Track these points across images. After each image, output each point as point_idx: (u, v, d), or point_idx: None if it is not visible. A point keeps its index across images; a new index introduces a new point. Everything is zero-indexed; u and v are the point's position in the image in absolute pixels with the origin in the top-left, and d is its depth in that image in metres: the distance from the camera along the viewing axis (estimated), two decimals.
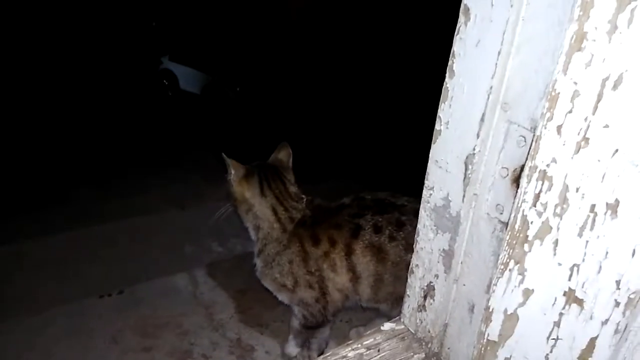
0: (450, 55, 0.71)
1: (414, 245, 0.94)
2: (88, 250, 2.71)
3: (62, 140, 5.33)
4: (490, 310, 0.74)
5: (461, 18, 0.69)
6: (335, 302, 1.70)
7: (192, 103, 6.90)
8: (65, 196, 3.91)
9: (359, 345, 1.00)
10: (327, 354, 0.98)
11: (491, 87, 0.67)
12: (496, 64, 0.66)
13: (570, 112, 0.57)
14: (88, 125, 5.81)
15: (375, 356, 0.97)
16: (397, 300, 1.67)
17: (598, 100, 0.54)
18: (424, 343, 0.99)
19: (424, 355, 0.97)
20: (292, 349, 1.87)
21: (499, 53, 0.65)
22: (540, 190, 0.62)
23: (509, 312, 0.71)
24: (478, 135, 0.71)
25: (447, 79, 0.73)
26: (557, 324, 0.68)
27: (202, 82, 6.81)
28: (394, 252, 1.61)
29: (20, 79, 6.86)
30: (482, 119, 0.69)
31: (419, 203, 1.74)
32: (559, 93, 0.57)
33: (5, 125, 5.64)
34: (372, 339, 1.01)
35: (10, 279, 2.51)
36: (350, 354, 0.97)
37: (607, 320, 0.63)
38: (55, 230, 2.99)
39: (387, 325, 1.05)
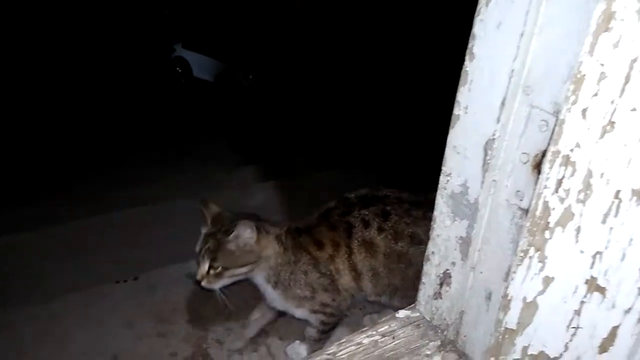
0: (470, 37, 0.70)
1: (430, 232, 0.93)
2: (102, 239, 2.73)
3: (74, 129, 5.37)
4: (509, 298, 0.73)
5: None
6: (346, 299, 1.75)
7: (205, 91, 6.91)
8: (77, 185, 3.95)
9: (374, 332, 1.00)
10: (342, 341, 0.97)
11: (512, 70, 0.66)
12: (518, 46, 0.64)
13: (595, 95, 0.55)
14: (99, 114, 5.84)
15: (390, 343, 0.96)
16: (394, 291, 1.71)
17: (625, 83, 0.53)
18: (439, 330, 0.98)
19: (439, 343, 0.96)
20: (303, 352, 1.85)
21: (521, 35, 0.63)
22: (563, 176, 0.60)
23: (528, 300, 0.70)
24: (498, 120, 0.69)
25: (466, 62, 0.71)
26: (577, 313, 0.66)
27: (216, 69, 6.80)
28: (384, 244, 1.65)
29: (33, 69, 6.91)
30: (502, 103, 0.68)
31: (401, 193, 1.77)
32: (584, 75, 0.55)
33: (16, 114, 5.70)
34: (386, 326, 1.01)
35: (25, 268, 2.54)
36: (365, 341, 0.97)
37: (629, 309, 0.62)
38: (69, 218, 3.02)
39: (402, 313, 1.04)
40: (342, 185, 3.45)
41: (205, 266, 1.57)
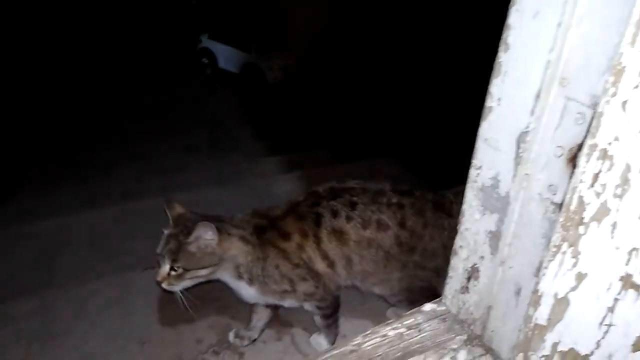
0: (504, 27, 0.68)
1: (458, 226, 0.92)
2: (131, 225, 2.78)
3: (103, 118, 5.47)
4: (540, 294, 0.71)
5: None
6: (331, 280, 1.76)
7: (230, 82, 6.94)
8: (107, 173, 4.03)
9: (399, 325, 0.99)
10: (368, 332, 0.97)
11: (549, 62, 0.64)
12: (555, 36, 0.62)
13: (636, 87, 0.53)
14: (127, 104, 5.93)
15: (415, 336, 0.96)
16: (366, 275, 1.78)
17: None
18: (466, 325, 0.97)
19: (465, 337, 0.95)
20: (323, 342, 1.87)
21: (558, 25, 0.61)
22: (600, 170, 0.59)
23: (559, 297, 0.69)
24: (532, 112, 0.68)
25: (500, 53, 0.70)
26: (611, 310, 0.65)
27: (241, 60, 6.82)
28: (354, 232, 1.70)
29: (62, 59, 7.04)
30: (537, 95, 0.66)
31: (365, 184, 1.81)
32: (624, 67, 0.54)
33: (49, 98, 5.83)
34: (412, 319, 1.01)
35: (58, 252, 2.61)
36: (391, 333, 0.97)
37: None
38: (99, 205, 3.09)
39: (428, 306, 1.04)
40: (366, 176, 3.45)
41: (166, 267, 1.55)
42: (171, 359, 1.76)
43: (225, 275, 1.65)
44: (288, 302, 1.75)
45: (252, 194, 2.26)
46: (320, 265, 1.70)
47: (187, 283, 1.59)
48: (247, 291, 1.69)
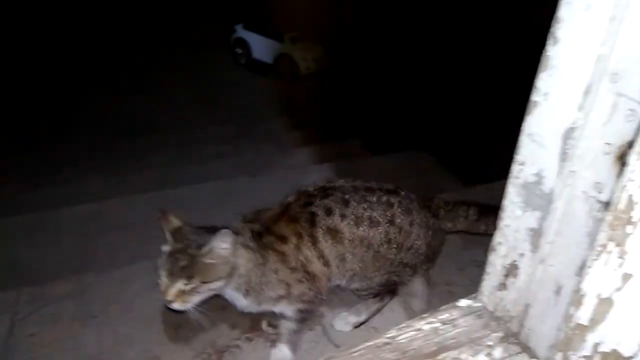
0: (554, 20, 0.67)
1: (498, 222, 0.91)
2: None
3: (137, 108, 5.59)
4: (582, 293, 0.70)
5: None
6: (323, 283, 1.72)
7: (264, 72, 6.97)
8: (143, 161, 4.13)
9: (434, 319, 0.99)
10: (402, 325, 0.98)
11: (599, 56, 0.62)
12: (607, 30, 0.61)
13: None
14: (161, 94, 6.03)
15: (451, 331, 0.96)
16: (352, 275, 1.75)
17: None
18: (502, 322, 0.96)
19: (502, 334, 0.94)
20: (286, 352, 1.76)
21: (611, 18, 0.60)
22: None
23: (603, 297, 0.67)
24: (580, 108, 0.66)
25: (548, 47, 0.68)
26: None
27: (275, 51, 6.84)
28: (348, 230, 1.68)
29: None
30: (586, 91, 0.65)
31: (354, 181, 1.78)
32: None
33: (85, 88, 5.99)
34: (447, 314, 1.00)
35: (95, 236, 2.69)
36: (426, 327, 0.97)
37: None
38: (135, 191, 3.16)
39: (463, 302, 1.03)
40: (398, 169, 3.43)
41: (178, 285, 1.45)
42: (205, 343, 1.79)
43: (229, 288, 1.57)
44: (279, 308, 1.68)
45: (284, 184, 2.26)
46: (317, 265, 1.67)
47: (199, 298, 1.51)
48: (241, 302, 1.64)
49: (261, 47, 6.99)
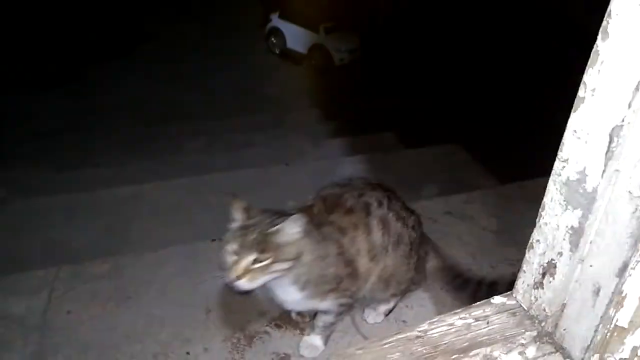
0: (606, 14, 0.65)
1: (537, 220, 0.89)
2: (200, 198, 2.90)
3: (172, 96, 5.68)
4: (623, 295, 0.69)
5: None
6: (361, 283, 1.69)
7: (298, 62, 6.98)
8: (178, 147, 4.21)
9: (467, 315, 0.98)
10: (434, 320, 0.97)
11: None
12: None
13: None
14: (195, 83, 6.10)
15: (483, 328, 0.95)
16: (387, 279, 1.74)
17: None
18: (537, 321, 0.95)
19: (535, 333, 0.93)
20: (319, 343, 1.76)
21: None
22: None
23: None
24: (630, 105, 0.64)
25: (598, 42, 0.66)
26: None
27: (310, 41, 6.84)
28: (394, 225, 1.69)
29: None
30: (637, 88, 0.63)
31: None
32: None
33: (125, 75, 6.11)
34: (480, 311, 0.99)
35: (132, 219, 2.77)
36: (458, 323, 0.96)
37: None
38: (171, 177, 3.23)
39: (497, 299, 1.02)
40: (432, 163, 3.40)
41: (249, 258, 1.38)
42: (235, 328, 1.83)
43: (287, 278, 1.50)
44: (325, 304, 1.62)
45: (315, 175, 2.27)
46: (364, 260, 1.63)
47: (266, 278, 1.43)
48: (293, 297, 1.56)
49: (295, 36, 7.00)
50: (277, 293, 1.58)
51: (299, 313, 1.87)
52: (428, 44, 6.51)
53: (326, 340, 1.77)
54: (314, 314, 1.77)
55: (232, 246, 1.41)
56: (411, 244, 1.75)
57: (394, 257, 1.70)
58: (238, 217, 1.49)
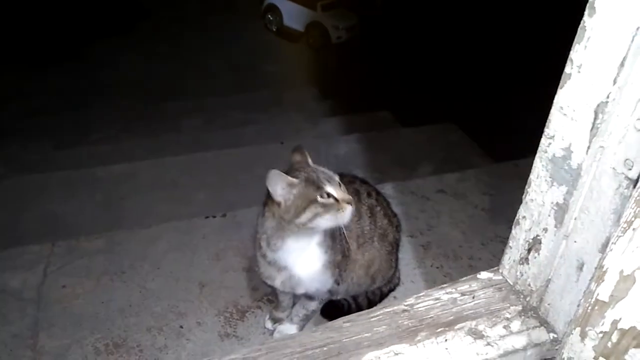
0: None
1: (523, 196, 0.90)
2: (196, 175, 2.90)
3: (171, 75, 5.64)
4: (604, 269, 0.70)
5: None
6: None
7: (295, 39, 6.91)
8: (176, 124, 4.19)
9: (453, 290, 1.00)
10: (421, 294, 0.99)
11: (638, 28, 0.60)
12: None
13: None
14: (193, 62, 6.04)
15: (469, 302, 0.96)
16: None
17: None
18: (522, 296, 0.96)
19: (520, 308, 0.95)
20: (292, 330, 1.72)
21: None
22: None
23: (625, 274, 0.67)
24: (615, 82, 0.64)
25: (585, 18, 0.66)
26: None
27: (307, 18, 6.76)
28: (380, 218, 1.69)
29: None
30: (622, 64, 0.63)
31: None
32: None
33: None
34: (467, 285, 1.01)
35: (128, 195, 2.77)
36: (444, 297, 0.98)
37: None
38: (168, 154, 3.23)
39: (483, 274, 1.04)
40: (428, 142, 3.40)
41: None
42: (228, 302, 1.85)
43: (316, 236, 1.45)
44: (324, 283, 1.57)
45: (312, 154, 2.27)
46: (353, 245, 1.61)
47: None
48: (314, 265, 1.50)
49: (293, 14, 6.91)
50: (300, 262, 1.49)
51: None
52: (426, 22, 6.45)
53: (302, 329, 1.74)
54: (293, 305, 1.75)
55: (336, 176, 1.39)
56: (396, 244, 1.78)
57: (380, 250, 1.70)
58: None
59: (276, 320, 1.76)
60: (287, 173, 1.36)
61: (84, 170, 3.02)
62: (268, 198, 1.40)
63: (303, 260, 1.49)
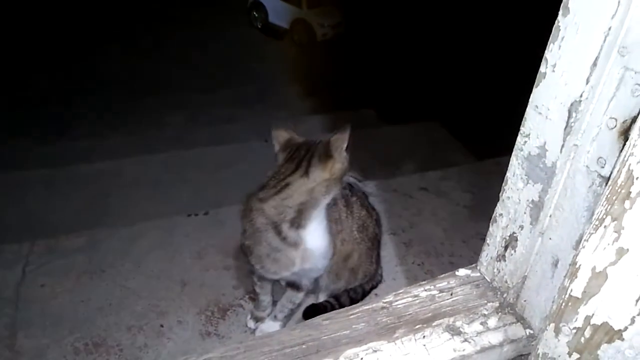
0: None
1: (500, 194, 0.91)
2: (179, 173, 2.89)
3: (155, 70, 5.58)
4: (577, 266, 0.71)
5: None
6: None
7: (280, 37, 6.90)
8: (159, 120, 4.16)
9: (432, 287, 1.01)
10: (399, 291, 0.99)
11: (609, 29, 0.61)
12: (619, 2, 0.59)
13: None
14: (177, 57, 6.00)
15: (447, 299, 0.97)
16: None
17: None
18: (499, 293, 0.97)
19: (497, 305, 0.96)
20: (275, 328, 1.71)
21: None
22: None
23: (597, 270, 0.68)
24: (587, 81, 0.65)
25: (559, 17, 0.67)
26: None
27: (292, 16, 6.75)
28: (357, 209, 1.71)
29: None
30: (594, 64, 0.64)
31: None
32: None
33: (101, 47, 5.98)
34: (445, 282, 1.02)
35: (109, 193, 2.75)
36: (423, 294, 0.98)
37: None
38: (151, 151, 3.21)
39: (461, 271, 1.04)
40: (411, 140, 3.42)
41: None
42: (210, 301, 1.84)
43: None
44: (321, 269, 1.60)
45: None
46: (333, 229, 1.62)
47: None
48: (324, 239, 1.54)
49: (278, 11, 6.89)
50: (316, 236, 1.52)
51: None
52: (411, 20, 6.48)
53: (285, 325, 1.74)
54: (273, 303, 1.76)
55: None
56: (377, 240, 1.79)
57: (360, 244, 1.70)
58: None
59: (258, 319, 1.76)
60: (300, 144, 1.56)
61: (66, 167, 2.99)
62: (308, 168, 1.46)
63: (318, 234, 1.52)
